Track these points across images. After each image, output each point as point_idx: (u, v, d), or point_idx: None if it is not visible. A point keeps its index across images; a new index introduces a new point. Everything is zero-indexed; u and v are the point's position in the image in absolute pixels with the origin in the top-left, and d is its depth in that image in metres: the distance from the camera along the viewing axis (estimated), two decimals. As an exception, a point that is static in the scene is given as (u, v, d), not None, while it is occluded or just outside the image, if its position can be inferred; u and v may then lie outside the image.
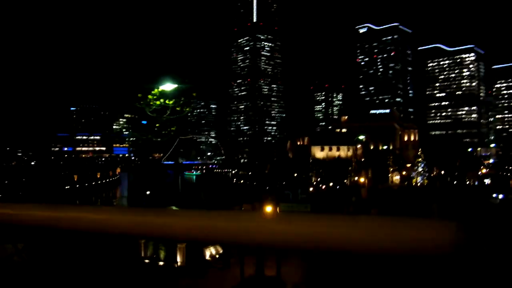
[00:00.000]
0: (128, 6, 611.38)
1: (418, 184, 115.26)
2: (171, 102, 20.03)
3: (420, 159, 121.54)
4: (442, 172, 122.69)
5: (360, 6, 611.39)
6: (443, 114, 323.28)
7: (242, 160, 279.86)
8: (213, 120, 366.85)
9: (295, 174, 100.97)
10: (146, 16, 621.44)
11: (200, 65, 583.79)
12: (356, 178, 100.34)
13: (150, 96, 19.96)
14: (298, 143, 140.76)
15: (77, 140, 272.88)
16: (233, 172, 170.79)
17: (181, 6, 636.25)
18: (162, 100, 19.89)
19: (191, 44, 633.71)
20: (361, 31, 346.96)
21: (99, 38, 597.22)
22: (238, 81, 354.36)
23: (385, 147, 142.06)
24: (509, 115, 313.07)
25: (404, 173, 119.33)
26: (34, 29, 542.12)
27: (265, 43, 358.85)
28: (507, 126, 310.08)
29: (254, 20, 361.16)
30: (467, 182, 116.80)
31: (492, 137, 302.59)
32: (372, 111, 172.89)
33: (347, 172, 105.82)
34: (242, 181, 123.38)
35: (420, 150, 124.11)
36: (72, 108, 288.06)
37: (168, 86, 20.40)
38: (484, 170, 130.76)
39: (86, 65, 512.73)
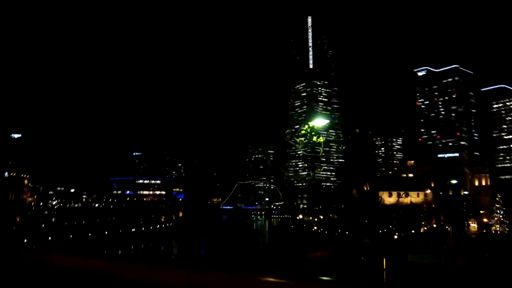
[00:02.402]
0: (185, 59, 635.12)
1: (498, 232, 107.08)
2: (322, 139, 18.44)
3: (498, 205, 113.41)
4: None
5: (417, 49, 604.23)
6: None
7: (301, 206, 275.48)
8: (271, 166, 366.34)
9: (366, 221, 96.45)
10: (206, 63, 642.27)
11: (260, 111, 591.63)
12: (434, 225, 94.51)
13: (303, 131, 18.45)
14: (365, 188, 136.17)
15: (138, 184, 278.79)
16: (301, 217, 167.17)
17: (239, 53, 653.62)
18: (315, 138, 18.35)
19: (249, 91, 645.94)
20: (420, 74, 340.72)
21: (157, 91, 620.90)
22: (296, 126, 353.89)
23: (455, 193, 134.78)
24: None
25: (485, 220, 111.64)
26: (107, 76, 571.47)
27: (322, 89, 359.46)
28: None
29: (311, 66, 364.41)
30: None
31: None
32: (440, 155, 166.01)
33: (421, 219, 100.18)
34: (315, 228, 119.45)
35: (498, 196, 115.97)
36: (134, 153, 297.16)
37: (319, 122, 18.81)
38: None
39: (145, 110, 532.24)
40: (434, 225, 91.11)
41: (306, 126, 18.43)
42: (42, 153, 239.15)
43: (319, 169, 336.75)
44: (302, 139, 18.50)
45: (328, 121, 18.76)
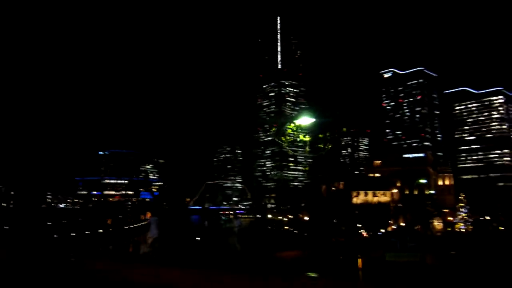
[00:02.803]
0: (153, 52, 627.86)
1: (462, 230, 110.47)
2: (308, 138, 18.47)
3: (462, 204, 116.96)
4: (487, 217, 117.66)
5: (383, 51, 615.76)
6: (474, 157, 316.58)
7: (269, 206, 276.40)
8: (239, 165, 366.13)
9: (334, 220, 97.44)
10: (172, 61, 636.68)
11: (227, 111, 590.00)
12: (402, 224, 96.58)
13: (289, 130, 18.46)
14: (333, 188, 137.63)
15: (104, 184, 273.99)
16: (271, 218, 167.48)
17: (208, 52, 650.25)
18: (302, 136, 18.36)
19: (217, 89, 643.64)
20: (386, 75, 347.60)
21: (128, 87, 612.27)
22: (264, 126, 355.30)
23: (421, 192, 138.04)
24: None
25: (450, 218, 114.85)
26: (75, 74, 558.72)
27: (290, 89, 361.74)
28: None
29: (279, 66, 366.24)
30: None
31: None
32: (406, 155, 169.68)
33: (388, 218, 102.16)
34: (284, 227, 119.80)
35: (462, 195, 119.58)
36: (100, 152, 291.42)
37: (305, 120, 18.86)
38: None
39: (114, 109, 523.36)
40: (402, 224, 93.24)
41: (292, 125, 18.48)
42: (4, 152, 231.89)
43: (286, 169, 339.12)
44: (288, 137, 18.58)
45: (314, 119, 18.89)
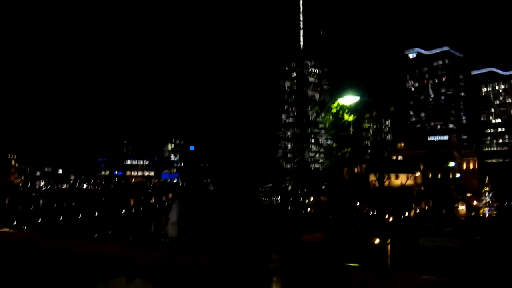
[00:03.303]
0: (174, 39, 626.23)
1: (486, 215, 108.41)
2: (351, 117, 17.65)
3: (487, 188, 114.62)
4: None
5: (409, 30, 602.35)
6: (500, 141, 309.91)
7: (289, 187, 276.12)
8: (259, 147, 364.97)
9: (357, 203, 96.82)
10: (195, 44, 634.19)
11: (247, 93, 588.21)
12: (426, 208, 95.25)
13: (333, 109, 17.63)
14: (356, 170, 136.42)
15: (126, 165, 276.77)
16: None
17: (230, 32, 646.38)
18: (346, 116, 17.57)
19: (237, 71, 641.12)
20: (411, 56, 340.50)
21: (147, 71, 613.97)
22: (285, 107, 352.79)
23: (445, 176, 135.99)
24: None
25: (474, 203, 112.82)
26: (92, 57, 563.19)
27: (312, 69, 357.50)
28: None
29: (301, 46, 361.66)
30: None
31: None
32: (430, 138, 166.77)
33: (412, 202, 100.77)
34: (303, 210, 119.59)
35: (487, 179, 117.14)
36: (123, 134, 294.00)
37: (349, 99, 17.92)
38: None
39: (133, 90, 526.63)
40: (426, 208, 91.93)
41: (336, 104, 17.70)
42: (29, 133, 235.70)
43: (308, 151, 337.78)
44: (331, 117, 17.83)
45: (358, 98, 17.91)
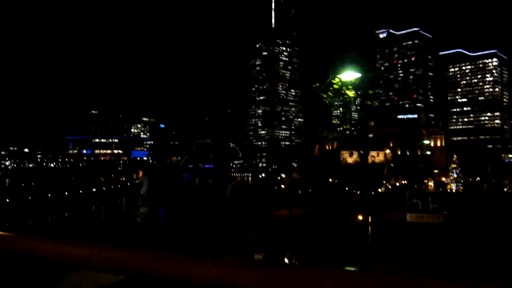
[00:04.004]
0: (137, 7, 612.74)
1: (454, 191, 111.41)
2: (352, 93, 17.17)
3: (454, 165, 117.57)
4: (477, 178, 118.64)
5: (380, 11, 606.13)
6: (465, 120, 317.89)
7: (260, 164, 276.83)
8: (230, 124, 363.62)
9: (330, 180, 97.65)
10: (165, 20, 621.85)
11: (218, 70, 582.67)
12: (397, 184, 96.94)
13: (335, 85, 17.09)
14: (327, 147, 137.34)
15: (95, 143, 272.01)
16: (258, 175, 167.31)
17: (198, 11, 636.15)
18: (349, 92, 17.05)
19: (208, 48, 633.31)
20: (381, 36, 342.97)
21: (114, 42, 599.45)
22: (256, 86, 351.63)
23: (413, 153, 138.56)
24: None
25: (443, 179, 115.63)
26: (54, 29, 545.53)
27: (283, 48, 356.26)
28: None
29: (272, 25, 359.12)
30: (505, 189, 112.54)
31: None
32: (400, 116, 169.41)
33: (382, 178, 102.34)
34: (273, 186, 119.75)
35: (455, 156, 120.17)
36: (91, 112, 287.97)
37: (349, 75, 17.46)
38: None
39: (101, 68, 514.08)
40: (397, 184, 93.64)
41: (337, 79, 17.27)
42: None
43: (278, 128, 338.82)
44: (330, 93, 17.42)
45: (359, 74, 17.52)
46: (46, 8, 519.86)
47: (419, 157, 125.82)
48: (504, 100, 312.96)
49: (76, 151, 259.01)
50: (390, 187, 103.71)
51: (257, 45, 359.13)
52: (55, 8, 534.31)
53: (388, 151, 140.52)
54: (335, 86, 17.30)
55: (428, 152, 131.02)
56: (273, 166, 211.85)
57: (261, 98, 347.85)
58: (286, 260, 32.95)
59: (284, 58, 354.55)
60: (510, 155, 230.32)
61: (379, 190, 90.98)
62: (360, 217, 33.02)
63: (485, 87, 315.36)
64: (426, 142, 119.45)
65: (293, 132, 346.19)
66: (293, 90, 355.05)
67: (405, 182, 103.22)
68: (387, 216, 40.65)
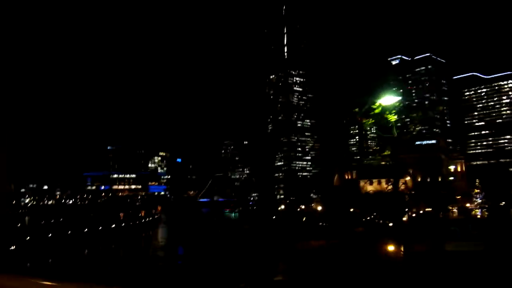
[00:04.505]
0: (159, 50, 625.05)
1: (478, 216, 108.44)
2: (394, 117, 16.73)
3: (477, 190, 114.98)
4: (502, 203, 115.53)
5: (391, 38, 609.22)
6: (484, 143, 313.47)
7: (278, 196, 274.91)
8: (247, 156, 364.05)
9: (351, 209, 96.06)
10: (180, 57, 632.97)
11: (233, 102, 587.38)
12: (421, 211, 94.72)
13: (377, 110, 16.68)
14: (346, 176, 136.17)
15: (113, 179, 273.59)
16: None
17: (212, 43, 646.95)
18: (390, 116, 16.63)
19: (222, 80, 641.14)
20: (394, 62, 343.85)
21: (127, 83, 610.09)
22: (270, 116, 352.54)
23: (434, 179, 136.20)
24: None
25: (467, 205, 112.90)
26: (76, 67, 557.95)
27: (297, 79, 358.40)
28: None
29: (285, 56, 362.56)
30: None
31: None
32: (418, 142, 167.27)
33: (404, 206, 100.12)
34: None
35: (477, 181, 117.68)
36: (108, 147, 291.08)
37: (389, 99, 17.08)
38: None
39: (119, 103, 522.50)
40: (421, 211, 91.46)
41: (378, 104, 16.81)
42: (12, 148, 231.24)
43: (294, 159, 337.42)
44: (370, 119, 16.96)
45: (400, 98, 17.05)
46: (59, 40, 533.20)
47: (440, 183, 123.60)
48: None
49: (94, 187, 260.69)
50: (413, 215, 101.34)
51: (271, 76, 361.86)
52: (68, 41, 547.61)
53: (408, 178, 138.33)
54: (376, 111, 16.81)
55: (451, 178, 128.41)
56: (291, 198, 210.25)
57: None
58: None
59: (298, 88, 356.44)
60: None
61: (403, 219, 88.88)
62: (392, 248, 31.81)
63: (502, 109, 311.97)
64: (451, 167, 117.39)
65: (309, 163, 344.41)
66: (308, 121, 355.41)
67: (428, 209, 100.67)
68: (416, 246, 39.32)
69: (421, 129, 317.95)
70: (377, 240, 45.55)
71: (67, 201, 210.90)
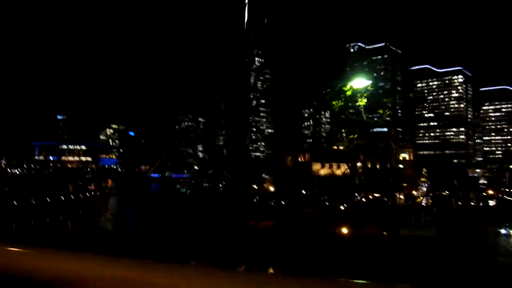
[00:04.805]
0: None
1: (423, 204, 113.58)
2: (363, 101, 16.96)
3: (423, 178, 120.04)
4: (446, 192, 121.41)
5: (351, 25, 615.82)
6: (432, 134, 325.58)
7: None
8: (201, 133, 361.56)
9: (303, 191, 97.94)
10: (136, 23, 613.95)
11: (190, 78, 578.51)
12: (370, 196, 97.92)
13: (348, 92, 16.84)
14: (299, 159, 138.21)
15: (62, 150, 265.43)
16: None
17: (171, 16, 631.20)
18: (360, 101, 16.84)
19: (179, 55, 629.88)
20: (352, 49, 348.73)
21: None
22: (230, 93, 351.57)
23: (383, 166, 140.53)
24: (496, 137, 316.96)
25: (414, 192, 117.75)
26: (26, 28, 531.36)
27: (257, 59, 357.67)
28: (493, 148, 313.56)
29: (245, 30, 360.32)
30: (472, 203, 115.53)
31: (480, 159, 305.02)
32: (373, 130, 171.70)
33: (354, 190, 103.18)
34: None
35: (424, 170, 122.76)
36: (58, 117, 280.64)
37: (360, 83, 17.30)
38: (490, 192, 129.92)
39: (69, 70, 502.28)
40: (370, 196, 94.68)
41: (348, 87, 17.05)
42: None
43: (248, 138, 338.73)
44: (339, 101, 17.22)
45: (370, 82, 17.37)
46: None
47: (389, 170, 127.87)
48: (469, 116, 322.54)
49: (42, 157, 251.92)
50: (362, 200, 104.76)
51: (228, 54, 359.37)
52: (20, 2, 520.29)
53: (358, 164, 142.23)
54: (347, 93, 17.19)
55: (401, 166, 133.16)
56: (244, 178, 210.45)
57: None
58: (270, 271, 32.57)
59: (255, 68, 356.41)
60: (475, 170, 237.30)
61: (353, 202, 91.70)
62: (345, 230, 32.86)
63: (450, 103, 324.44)
64: (403, 155, 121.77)
65: (263, 143, 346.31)
66: (263, 101, 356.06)
67: (376, 195, 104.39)
68: (366, 229, 40.81)
69: (373, 117, 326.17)
70: (329, 221, 46.82)
71: (13, 170, 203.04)
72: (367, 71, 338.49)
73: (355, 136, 20.39)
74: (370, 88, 17.57)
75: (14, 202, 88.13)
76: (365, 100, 17.30)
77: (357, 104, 17.56)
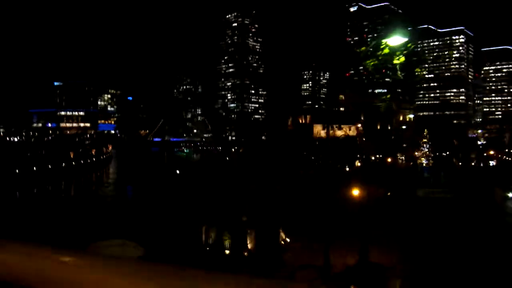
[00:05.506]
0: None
1: (424, 165, 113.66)
2: (401, 59, 16.15)
3: (425, 140, 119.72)
4: (446, 153, 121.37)
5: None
6: (431, 95, 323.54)
7: (230, 138, 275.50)
8: (199, 97, 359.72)
9: (304, 153, 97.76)
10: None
11: (188, 41, 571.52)
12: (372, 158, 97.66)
13: (385, 50, 16.00)
14: (300, 121, 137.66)
15: (60, 116, 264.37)
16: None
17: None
18: (397, 59, 16.03)
19: (177, 19, 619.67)
20: (352, 9, 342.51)
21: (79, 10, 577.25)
22: (225, 57, 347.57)
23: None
24: (497, 98, 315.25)
25: (416, 153, 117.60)
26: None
27: (252, 19, 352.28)
28: (493, 109, 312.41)
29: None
30: (472, 164, 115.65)
31: (479, 119, 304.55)
32: (369, 91, 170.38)
33: (356, 152, 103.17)
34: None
35: (426, 131, 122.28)
36: (55, 83, 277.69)
37: (396, 40, 16.44)
38: (491, 152, 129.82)
39: (66, 36, 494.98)
40: (372, 158, 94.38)
41: (384, 44, 16.22)
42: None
43: (247, 101, 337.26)
44: (374, 60, 16.42)
45: (407, 39, 16.51)
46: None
47: (390, 131, 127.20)
48: (470, 76, 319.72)
49: (40, 124, 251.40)
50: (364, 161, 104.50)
51: (227, 16, 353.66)
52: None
53: (359, 125, 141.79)
54: (385, 51, 16.38)
55: (403, 127, 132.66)
56: (242, 139, 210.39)
57: (231, 70, 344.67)
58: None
59: (253, 29, 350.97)
60: (475, 130, 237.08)
61: (355, 164, 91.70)
62: (357, 191, 32.45)
63: (451, 63, 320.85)
64: (410, 116, 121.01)
65: (261, 105, 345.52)
66: (262, 64, 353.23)
67: (379, 156, 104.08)
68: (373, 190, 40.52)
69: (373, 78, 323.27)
70: (334, 182, 46.65)
71: (12, 138, 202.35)
72: (366, 32, 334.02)
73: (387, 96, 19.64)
74: (409, 45, 16.74)
75: (16, 170, 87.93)
76: (403, 58, 16.48)
77: (393, 62, 16.76)
